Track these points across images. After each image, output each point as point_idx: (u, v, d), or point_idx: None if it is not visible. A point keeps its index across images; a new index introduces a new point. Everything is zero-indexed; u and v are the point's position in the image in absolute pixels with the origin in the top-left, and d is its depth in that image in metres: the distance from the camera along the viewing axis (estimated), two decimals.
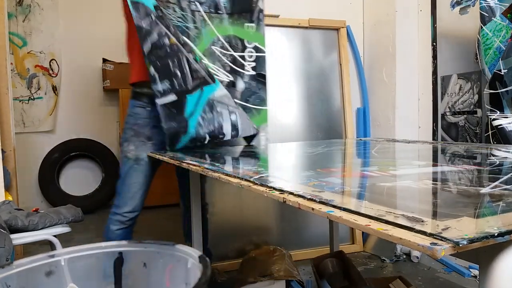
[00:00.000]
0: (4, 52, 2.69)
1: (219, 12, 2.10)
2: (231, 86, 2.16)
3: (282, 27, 2.91)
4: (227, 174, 1.15)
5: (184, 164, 1.47)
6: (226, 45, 2.15)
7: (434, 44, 2.78)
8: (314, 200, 0.78)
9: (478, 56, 2.33)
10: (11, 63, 4.10)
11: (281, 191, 0.89)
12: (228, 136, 2.04)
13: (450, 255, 0.55)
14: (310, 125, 2.96)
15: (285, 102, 2.91)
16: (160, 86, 1.83)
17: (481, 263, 0.60)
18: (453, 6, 2.62)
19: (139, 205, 2.03)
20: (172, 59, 1.86)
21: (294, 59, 2.95)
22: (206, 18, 2.05)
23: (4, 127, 2.63)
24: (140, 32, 1.79)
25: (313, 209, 0.75)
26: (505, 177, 1.00)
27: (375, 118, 3.11)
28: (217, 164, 1.40)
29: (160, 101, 1.84)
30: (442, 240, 0.54)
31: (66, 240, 1.93)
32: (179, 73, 1.88)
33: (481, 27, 2.13)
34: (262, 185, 0.96)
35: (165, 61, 1.85)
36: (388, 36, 2.94)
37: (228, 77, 2.15)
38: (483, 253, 0.58)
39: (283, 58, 2.92)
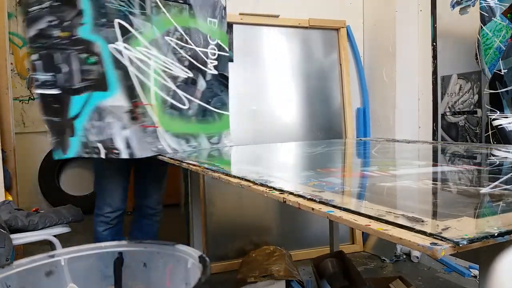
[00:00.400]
0: (4, 52, 2.69)
1: (180, 1, 1.94)
2: (190, 83, 1.98)
3: (282, 27, 2.91)
4: (227, 174, 1.15)
5: (184, 164, 1.47)
6: (186, 37, 1.98)
7: (434, 44, 2.78)
8: (314, 200, 0.78)
9: (478, 56, 2.33)
10: (11, 63, 4.10)
11: (281, 191, 0.89)
12: (123, 154, 1.75)
13: (450, 255, 0.55)
14: (310, 125, 2.96)
15: (285, 102, 2.91)
16: (41, 76, 1.65)
17: (481, 263, 0.60)
18: (453, 6, 2.62)
19: (120, 204, 1.98)
20: (59, 53, 1.67)
21: (294, 59, 2.95)
22: (161, 6, 1.89)
23: (4, 127, 2.63)
24: (27, 15, 1.63)
25: (313, 209, 0.75)
26: (505, 177, 1.00)
27: (375, 118, 3.11)
28: (217, 164, 1.40)
29: (40, 90, 1.65)
30: (442, 240, 0.54)
31: (66, 240, 1.93)
32: (64, 69, 1.68)
33: (481, 27, 2.13)
34: (262, 185, 0.96)
35: (50, 52, 1.66)
36: (388, 36, 2.94)
37: (187, 73, 1.97)
38: (483, 253, 0.58)
39: (283, 58, 2.92)
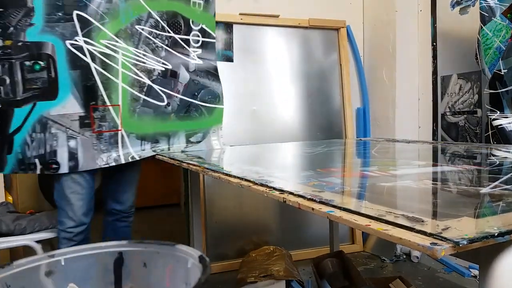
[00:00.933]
0: None
1: None
2: (169, 76, 1.78)
3: (282, 27, 2.91)
4: (227, 174, 1.15)
5: (184, 164, 1.47)
6: (163, 23, 1.76)
7: (434, 44, 2.77)
8: (314, 200, 0.78)
9: (478, 56, 2.33)
10: None
11: (281, 191, 0.89)
12: (64, 168, 1.64)
13: (450, 255, 0.55)
14: (310, 125, 2.96)
15: (285, 102, 2.91)
16: None
17: (481, 263, 0.60)
18: (453, 6, 2.62)
19: (83, 218, 1.74)
20: (1, 64, 1.56)
21: (294, 59, 2.95)
22: None
23: None
24: None
25: (313, 209, 0.75)
26: (505, 177, 1.00)
27: (375, 118, 3.11)
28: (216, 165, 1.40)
29: None
30: (442, 240, 0.54)
31: None
32: (7, 80, 1.57)
33: (481, 27, 2.13)
34: (262, 185, 0.96)
35: None
36: (388, 36, 2.94)
37: (165, 65, 1.77)
38: (483, 253, 0.58)
39: (283, 58, 2.92)
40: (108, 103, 1.69)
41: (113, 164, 1.72)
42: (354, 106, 3.13)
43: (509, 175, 1.04)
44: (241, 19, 2.77)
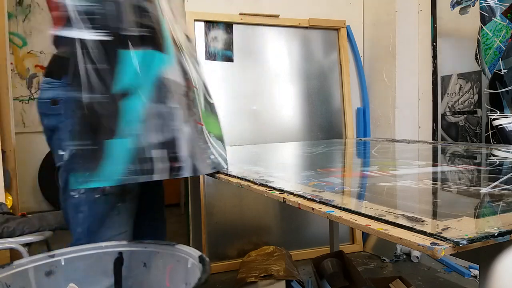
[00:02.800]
0: (4, 52, 2.69)
1: None
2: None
3: (282, 27, 2.91)
4: (227, 174, 1.15)
5: None
6: None
7: (434, 44, 2.77)
8: (314, 200, 0.78)
9: (478, 56, 2.33)
10: (11, 63, 4.10)
11: (281, 191, 0.89)
12: (187, 170, 1.07)
13: (450, 255, 0.55)
14: (310, 125, 2.96)
15: (285, 102, 2.91)
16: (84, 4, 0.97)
17: (481, 263, 0.60)
18: (453, 6, 2.61)
19: None
20: None
21: (294, 59, 2.95)
22: None
23: (4, 127, 2.63)
24: None
25: (313, 209, 0.75)
26: (505, 177, 1.00)
27: (375, 118, 3.11)
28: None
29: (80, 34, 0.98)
30: (442, 240, 0.54)
31: (66, 240, 1.92)
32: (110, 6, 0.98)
33: (481, 27, 2.14)
34: (262, 185, 0.96)
35: None
36: (388, 36, 2.94)
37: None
38: (483, 253, 0.58)
39: (283, 58, 2.92)
40: (192, 83, 1.09)
41: (211, 171, 1.13)
42: (354, 106, 3.13)
43: (509, 175, 1.04)
44: (241, 19, 2.77)
